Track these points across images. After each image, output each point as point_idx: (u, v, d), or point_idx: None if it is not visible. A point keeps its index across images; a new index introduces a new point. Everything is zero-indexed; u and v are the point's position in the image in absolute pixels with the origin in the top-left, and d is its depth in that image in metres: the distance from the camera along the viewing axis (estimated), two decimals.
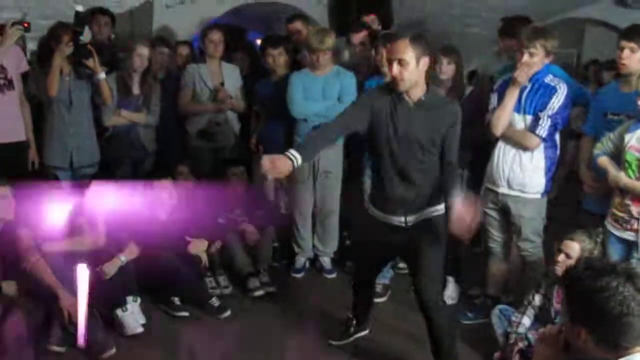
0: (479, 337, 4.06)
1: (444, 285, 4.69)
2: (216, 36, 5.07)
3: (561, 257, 3.50)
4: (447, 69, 4.39)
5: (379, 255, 3.69)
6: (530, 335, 3.55)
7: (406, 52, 3.11)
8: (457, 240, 4.60)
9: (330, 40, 4.64)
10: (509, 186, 3.93)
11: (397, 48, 3.14)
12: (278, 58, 4.91)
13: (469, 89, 4.49)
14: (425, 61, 3.16)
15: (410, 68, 3.12)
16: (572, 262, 3.38)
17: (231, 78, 5.19)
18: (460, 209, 3.05)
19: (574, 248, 3.47)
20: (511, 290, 4.37)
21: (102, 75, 4.52)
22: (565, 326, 1.98)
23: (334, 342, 3.94)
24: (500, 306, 3.93)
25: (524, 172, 3.87)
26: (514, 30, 4.25)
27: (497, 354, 3.77)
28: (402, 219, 3.39)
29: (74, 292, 3.80)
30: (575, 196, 4.12)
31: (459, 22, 5.59)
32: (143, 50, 4.72)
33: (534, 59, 3.76)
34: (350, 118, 3.31)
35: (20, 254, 3.80)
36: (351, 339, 3.96)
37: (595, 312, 1.84)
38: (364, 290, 3.88)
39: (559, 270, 3.46)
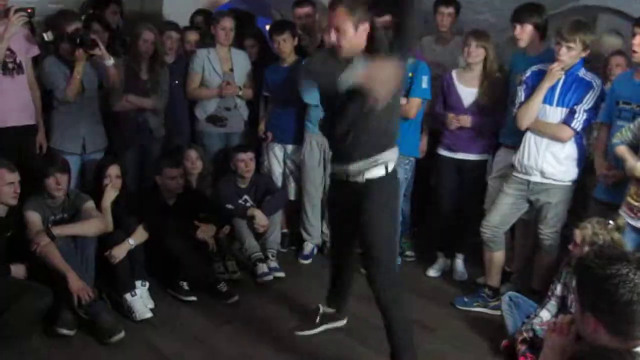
0: (487, 324, 4.07)
1: (434, 260, 4.82)
2: (228, 23, 5.03)
3: (571, 246, 3.56)
4: (475, 52, 4.37)
5: (339, 221, 3.56)
6: (537, 327, 3.54)
7: (344, 21, 3.05)
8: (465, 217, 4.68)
9: None
10: (543, 175, 3.97)
11: (334, 17, 3.08)
12: (284, 44, 4.88)
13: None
14: (365, 27, 3.09)
15: (348, 36, 3.07)
16: (577, 249, 3.47)
17: (240, 64, 5.16)
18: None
19: (577, 235, 3.51)
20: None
21: (109, 61, 4.49)
22: (576, 315, 1.97)
23: (299, 333, 3.89)
24: (510, 293, 3.94)
25: (559, 162, 3.93)
26: (526, 17, 4.21)
27: (504, 342, 3.77)
28: (344, 168, 3.28)
29: (83, 276, 3.84)
30: (585, 185, 4.10)
31: (469, 9, 5.52)
32: (148, 36, 4.71)
33: (572, 53, 3.77)
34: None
35: (29, 237, 3.83)
36: (319, 329, 3.89)
37: (605, 300, 1.83)
38: (338, 271, 3.79)
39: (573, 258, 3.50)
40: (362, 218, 3.26)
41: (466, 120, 4.47)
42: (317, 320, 3.90)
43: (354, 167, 3.24)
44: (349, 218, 3.35)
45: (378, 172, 3.23)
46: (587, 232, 3.47)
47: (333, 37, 3.09)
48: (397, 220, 3.46)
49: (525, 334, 3.58)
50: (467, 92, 4.49)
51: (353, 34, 3.07)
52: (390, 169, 3.27)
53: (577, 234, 3.51)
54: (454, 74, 4.57)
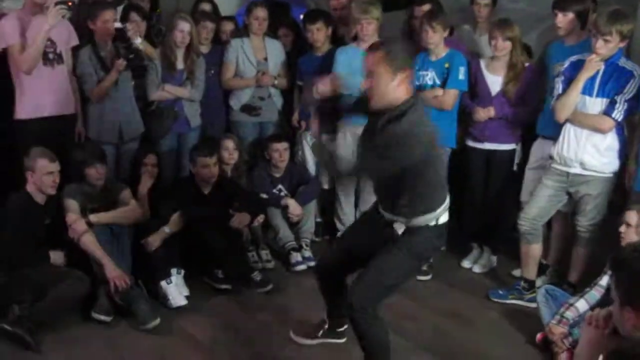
0: (522, 316, 4.04)
1: (469, 251, 4.80)
2: (261, 13, 5.05)
3: (622, 228, 3.54)
4: (502, 46, 4.31)
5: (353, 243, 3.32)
6: (576, 331, 3.49)
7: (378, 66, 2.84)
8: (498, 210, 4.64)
9: (376, 11, 4.58)
10: (583, 167, 3.90)
11: (369, 60, 2.89)
12: (317, 33, 4.88)
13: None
14: (406, 75, 2.86)
15: (382, 83, 2.85)
16: (632, 231, 3.47)
17: (274, 54, 5.18)
18: None
19: (632, 217, 3.50)
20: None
21: (137, 40, 4.55)
22: (614, 309, 1.94)
23: (295, 337, 3.70)
24: (546, 286, 3.90)
25: (600, 153, 3.86)
26: (569, 5, 4.13)
27: (539, 335, 3.73)
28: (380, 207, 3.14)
29: (119, 264, 3.90)
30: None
31: None
32: (184, 26, 4.73)
33: (609, 45, 3.67)
34: None
35: (67, 225, 3.90)
36: (315, 341, 3.67)
37: None
38: (328, 284, 3.49)
39: (624, 242, 3.47)
40: (392, 247, 3.03)
41: (490, 112, 4.43)
42: (320, 333, 3.70)
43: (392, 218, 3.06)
44: (375, 236, 3.14)
45: (425, 220, 3.00)
46: None
47: (366, 82, 2.91)
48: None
49: (561, 328, 3.54)
50: (494, 80, 4.44)
51: (388, 82, 2.84)
52: (440, 222, 3.03)
53: (632, 215, 3.50)
54: (482, 62, 4.53)
